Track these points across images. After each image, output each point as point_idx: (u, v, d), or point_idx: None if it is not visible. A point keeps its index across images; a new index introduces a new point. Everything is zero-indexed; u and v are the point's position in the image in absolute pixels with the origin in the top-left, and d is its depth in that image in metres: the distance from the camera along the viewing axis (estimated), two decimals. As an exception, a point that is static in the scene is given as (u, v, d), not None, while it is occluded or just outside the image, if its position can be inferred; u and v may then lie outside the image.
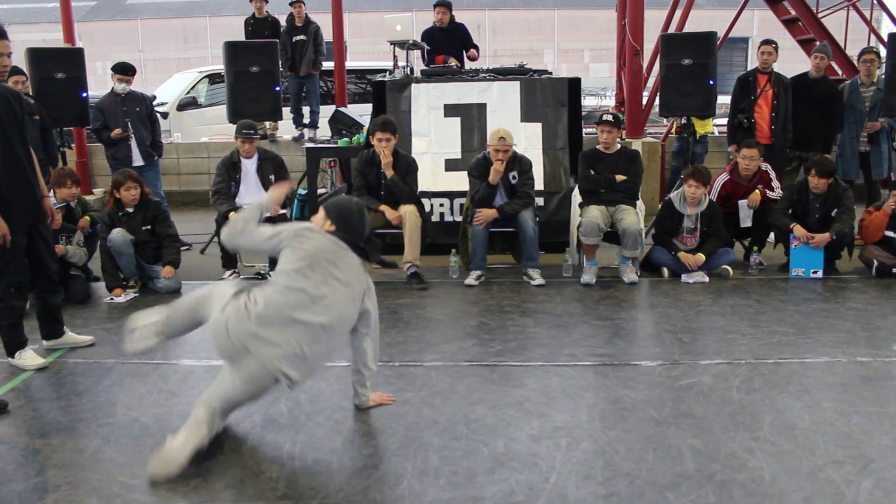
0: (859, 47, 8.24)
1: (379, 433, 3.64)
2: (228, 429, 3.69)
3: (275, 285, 3.58)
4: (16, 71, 6.98)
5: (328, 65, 11.12)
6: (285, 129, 10.69)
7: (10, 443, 3.62)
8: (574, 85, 7.45)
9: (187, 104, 12.33)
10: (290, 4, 10.36)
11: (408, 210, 6.28)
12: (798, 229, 6.33)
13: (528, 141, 7.19)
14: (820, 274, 6.36)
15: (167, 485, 3.17)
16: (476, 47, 8.88)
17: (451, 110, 7.34)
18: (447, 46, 8.57)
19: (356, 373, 3.86)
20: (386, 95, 7.42)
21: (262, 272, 6.55)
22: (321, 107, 10.68)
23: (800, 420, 3.69)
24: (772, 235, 6.84)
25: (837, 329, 5.07)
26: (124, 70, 7.70)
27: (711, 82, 7.58)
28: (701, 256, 6.32)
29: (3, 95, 4.27)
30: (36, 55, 7.55)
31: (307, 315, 3.44)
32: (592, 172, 6.52)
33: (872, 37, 10.78)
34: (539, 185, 6.94)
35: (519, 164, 6.39)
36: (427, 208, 6.92)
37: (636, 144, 8.58)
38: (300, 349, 3.42)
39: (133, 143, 7.65)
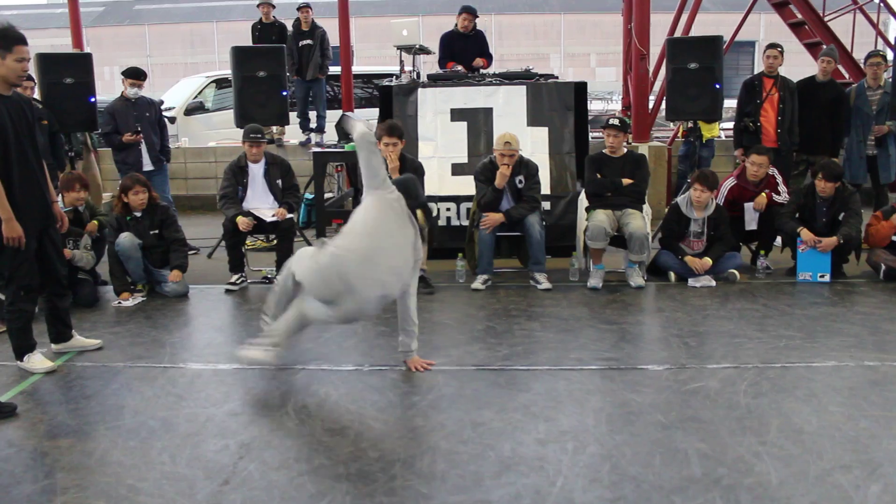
0: (866, 50, 8.22)
1: (386, 437, 3.65)
2: (236, 432, 3.70)
3: (351, 236, 4.34)
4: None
5: (335, 69, 11.15)
6: (292, 133, 10.73)
7: (19, 445, 3.64)
8: (580, 89, 7.45)
9: (195, 109, 12.37)
10: (297, 9, 10.40)
11: (414, 214, 6.28)
12: (805, 233, 6.32)
13: (535, 145, 7.19)
14: (827, 278, 6.34)
15: (175, 487, 3.18)
16: (490, 56, 8.84)
17: (457, 115, 7.35)
18: (465, 52, 8.55)
19: (404, 331, 4.48)
20: (393, 100, 7.43)
21: (268, 276, 6.57)
22: (328, 111, 10.71)
23: (807, 424, 3.69)
24: (779, 239, 6.83)
25: (845, 333, 5.06)
26: (136, 75, 7.74)
27: (718, 86, 7.57)
28: (708, 260, 6.31)
29: (17, 102, 4.32)
30: (44, 60, 7.58)
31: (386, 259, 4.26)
32: (599, 176, 6.52)
33: (879, 40, 10.76)
34: (545, 189, 6.94)
35: (525, 168, 6.39)
36: (434, 212, 6.92)
37: (643, 148, 8.59)
38: (386, 278, 4.26)
39: (143, 148, 7.68)
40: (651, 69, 9.70)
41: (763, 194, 6.66)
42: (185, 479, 3.26)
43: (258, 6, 10.63)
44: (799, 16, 10.00)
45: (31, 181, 4.37)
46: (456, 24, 8.71)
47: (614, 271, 6.60)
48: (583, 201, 6.75)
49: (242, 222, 6.33)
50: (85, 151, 8.26)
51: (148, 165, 7.68)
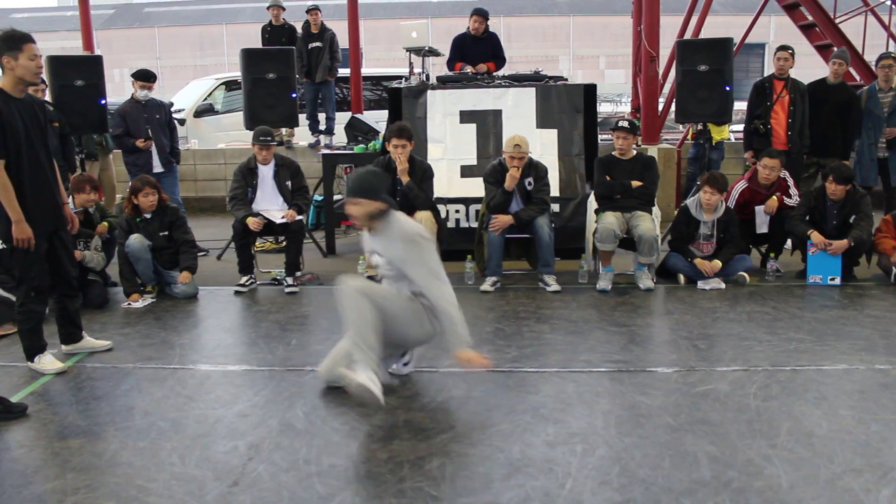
0: (877, 52, 8.18)
1: (395, 438, 3.64)
2: (245, 433, 3.71)
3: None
4: (36, 77, 7.03)
5: (344, 71, 11.16)
6: (301, 135, 10.75)
7: (30, 446, 3.66)
8: (590, 91, 7.44)
9: (204, 111, 12.42)
10: (307, 12, 10.42)
11: (423, 216, 6.29)
12: (816, 236, 6.30)
13: (544, 147, 7.19)
14: (837, 281, 6.31)
15: (185, 488, 3.19)
16: (503, 59, 8.82)
17: (466, 117, 7.35)
18: (477, 54, 8.56)
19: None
20: (402, 102, 7.44)
21: (277, 277, 6.59)
22: (337, 113, 10.73)
23: (817, 427, 3.67)
24: (789, 242, 6.81)
25: (855, 336, 5.03)
26: (146, 77, 7.77)
27: (728, 88, 7.56)
28: (717, 263, 6.29)
29: (29, 104, 4.35)
30: (55, 63, 7.62)
31: None
32: (608, 178, 6.51)
33: (891, 42, 10.71)
34: (555, 191, 6.93)
35: (535, 170, 6.39)
36: (443, 214, 6.93)
37: (652, 150, 8.57)
38: None
39: (153, 150, 7.71)
40: (661, 71, 9.67)
41: (774, 197, 6.64)
42: (195, 480, 3.27)
43: (268, 8, 10.66)
44: (810, 18, 9.95)
45: (43, 183, 4.40)
46: (468, 27, 8.72)
47: (623, 273, 6.58)
48: (592, 203, 6.74)
49: (253, 222, 6.35)
50: (101, 153, 8.31)
51: (158, 167, 7.71)
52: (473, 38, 8.68)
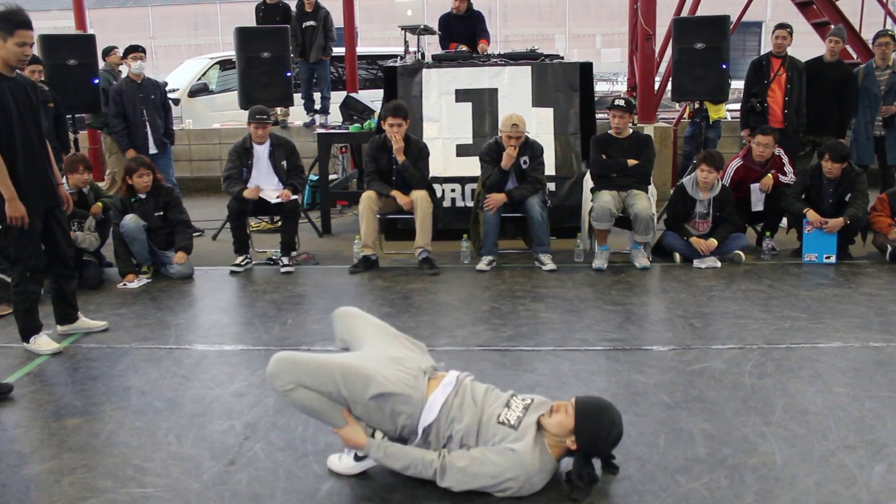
0: (874, 30, 8.15)
1: (391, 417, 3.64)
2: (241, 413, 3.72)
3: None
4: (33, 60, 6.97)
5: (339, 50, 11.09)
6: (296, 115, 10.69)
7: (26, 426, 3.66)
8: (586, 70, 7.41)
9: (199, 91, 12.34)
10: (300, -10, 10.32)
11: (419, 195, 6.28)
12: (811, 214, 6.29)
13: (540, 126, 7.16)
14: (833, 259, 6.32)
15: (181, 468, 3.20)
16: (488, 36, 8.80)
17: (462, 95, 7.32)
18: (462, 34, 8.52)
19: None
20: (397, 81, 7.40)
21: (273, 257, 6.58)
22: (332, 92, 10.67)
23: (812, 405, 3.68)
24: (785, 220, 6.81)
25: (850, 314, 5.04)
26: (136, 48, 7.74)
27: (724, 66, 7.53)
28: (713, 241, 6.29)
29: (20, 84, 4.33)
30: (48, 42, 7.57)
31: None
32: (604, 157, 6.49)
33: (888, 19, 10.66)
34: (550, 170, 6.91)
35: (530, 149, 6.37)
36: (438, 194, 6.91)
37: (648, 129, 8.55)
38: None
39: (148, 131, 7.67)
40: (657, 50, 9.62)
41: (769, 175, 6.63)
42: (191, 459, 3.28)
43: (262, -13, 10.55)
44: (807, -5, 9.89)
45: (35, 161, 4.37)
46: (451, 8, 8.69)
47: (619, 252, 6.59)
48: (588, 182, 6.73)
49: (248, 191, 6.33)
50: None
51: (152, 148, 7.68)
52: (458, 18, 8.67)
